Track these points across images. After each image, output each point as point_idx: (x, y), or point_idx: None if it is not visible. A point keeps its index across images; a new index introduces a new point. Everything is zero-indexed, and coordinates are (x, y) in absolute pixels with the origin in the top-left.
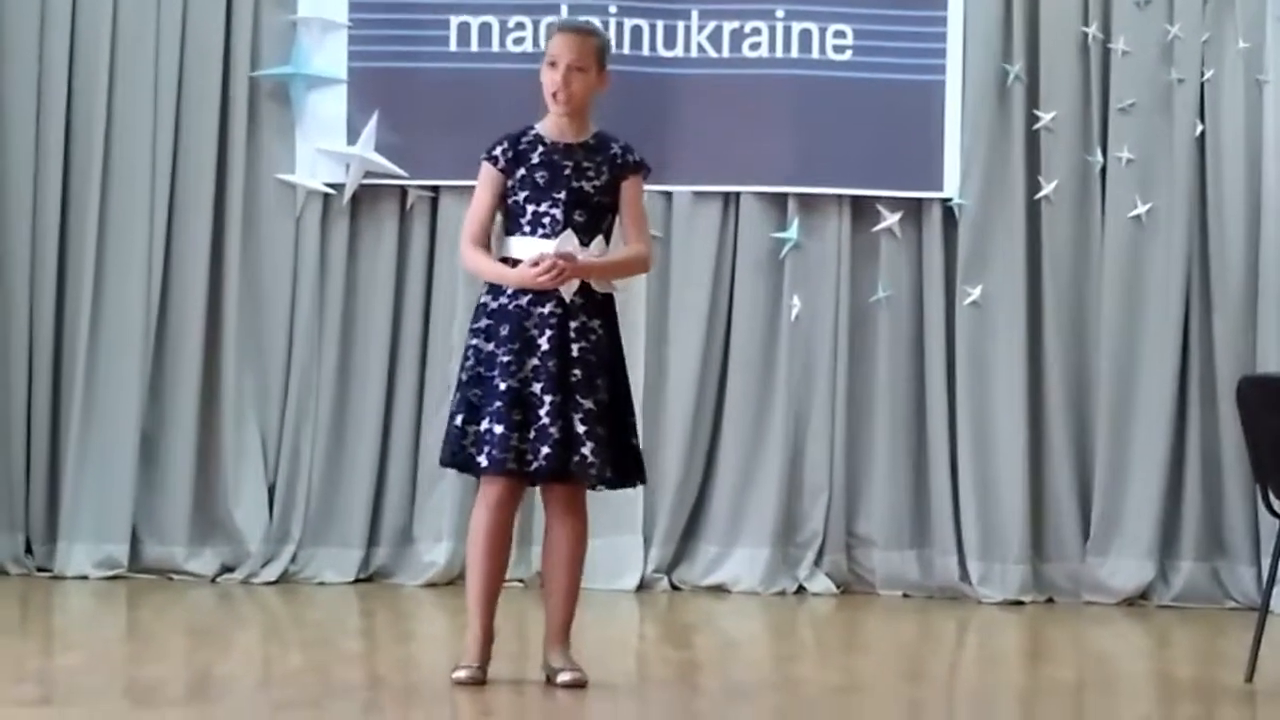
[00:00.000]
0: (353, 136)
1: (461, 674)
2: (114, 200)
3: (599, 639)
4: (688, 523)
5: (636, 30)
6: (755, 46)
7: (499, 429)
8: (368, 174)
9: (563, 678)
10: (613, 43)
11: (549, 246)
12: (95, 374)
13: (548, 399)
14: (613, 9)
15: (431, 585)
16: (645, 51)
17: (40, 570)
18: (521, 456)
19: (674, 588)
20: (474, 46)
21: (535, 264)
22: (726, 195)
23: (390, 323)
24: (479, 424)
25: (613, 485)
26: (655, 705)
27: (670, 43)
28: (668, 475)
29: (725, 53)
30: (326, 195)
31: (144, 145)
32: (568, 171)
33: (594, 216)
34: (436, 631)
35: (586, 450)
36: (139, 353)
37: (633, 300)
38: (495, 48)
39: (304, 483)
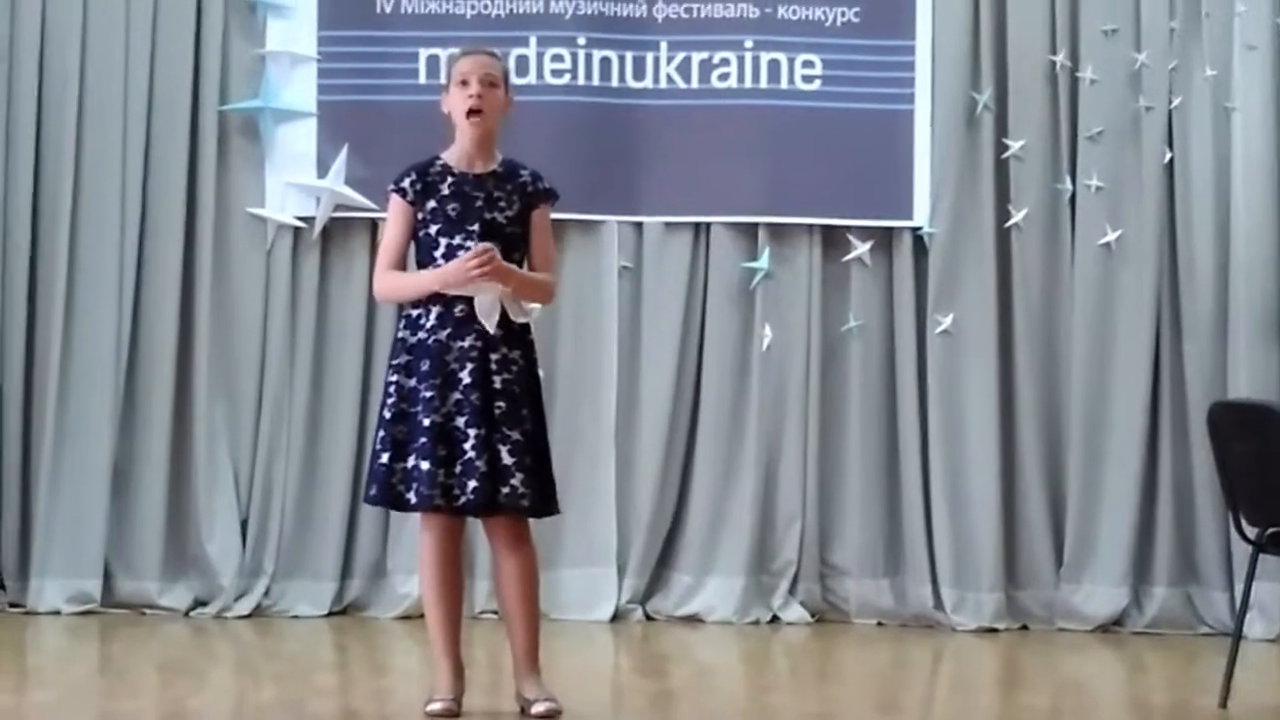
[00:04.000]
0: (323, 170)
1: (436, 706)
2: (84, 234)
3: (573, 669)
4: (661, 553)
5: (605, 62)
6: (724, 77)
7: (425, 465)
8: (338, 207)
9: (537, 709)
10: (581, 74)
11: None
12: (66, 408)
13: (472, 433)
14: (581, 40)
15: (406, 618)
16: (614, 83)
17: (13, 606)
18: (449, 492)
19: (648, 618)
20: (443, 79)
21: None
22: (697, 225)
23: (362, 355)
24: (406, 461)
25: (537, 514)
26: None
27: (639, 74)
28: (641, 505)
29: (694, 83)
30: (297, 228)
31: (114, 179)
32: (479, 203)
33: (507, 247)
34: (411, 664)
35: (516, 481)
36: (110, 387)
37: (604, 330)
38: None
39: (277, 516)
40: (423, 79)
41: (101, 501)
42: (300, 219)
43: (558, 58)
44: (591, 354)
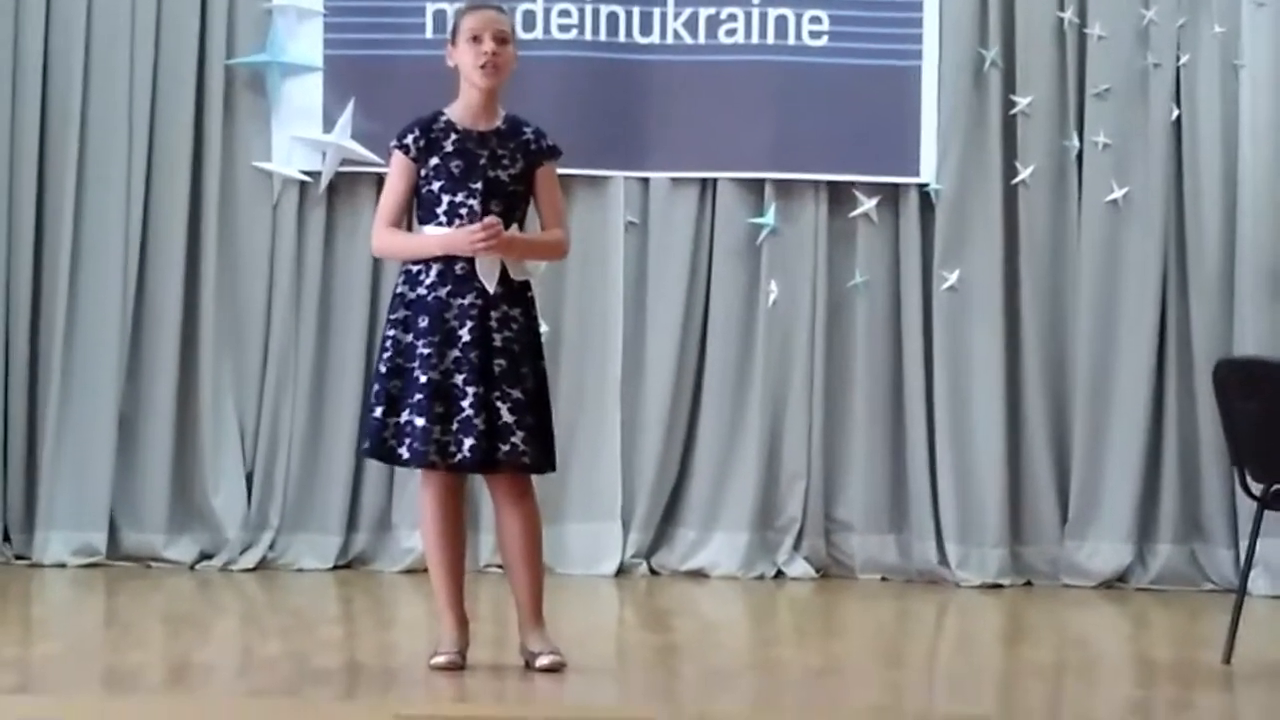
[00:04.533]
0: (329, 124)
1: (440, 659)
2: (90, 188)
3: (578, 624)
4: (666, 508)
5: (613, 17)
6: (731, 33)
7: (420, 421)
8: (344, 161)
9: (541, 661)
10: (588, 29)
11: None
12: (72, 362)
13: (470, 390)
14: None
15: (410, 571)
16: (621, 38)
17: (18, 558)
18: (444, 449)
19: (653, 572)
20: (449, 33)
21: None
22: (703, 181)
23: (367, 309)
24: (399, 416)
25: (539, 471)
26: (634, 688)
27: (646, 29)
28: (646, 460)
29: (701, 39)
30: (303, 183)
31: (120, 133)
32: (483, 160)
33: (510, 205)
34: (415, 617)
35: (516, 439)
36: (116, 340)
37: (610, 286)
38: None
39: (282, 469)
40: (429, 33)
41: (107, 454)
42: (306, 173)
43: (564, 13)
44: (597, 309)
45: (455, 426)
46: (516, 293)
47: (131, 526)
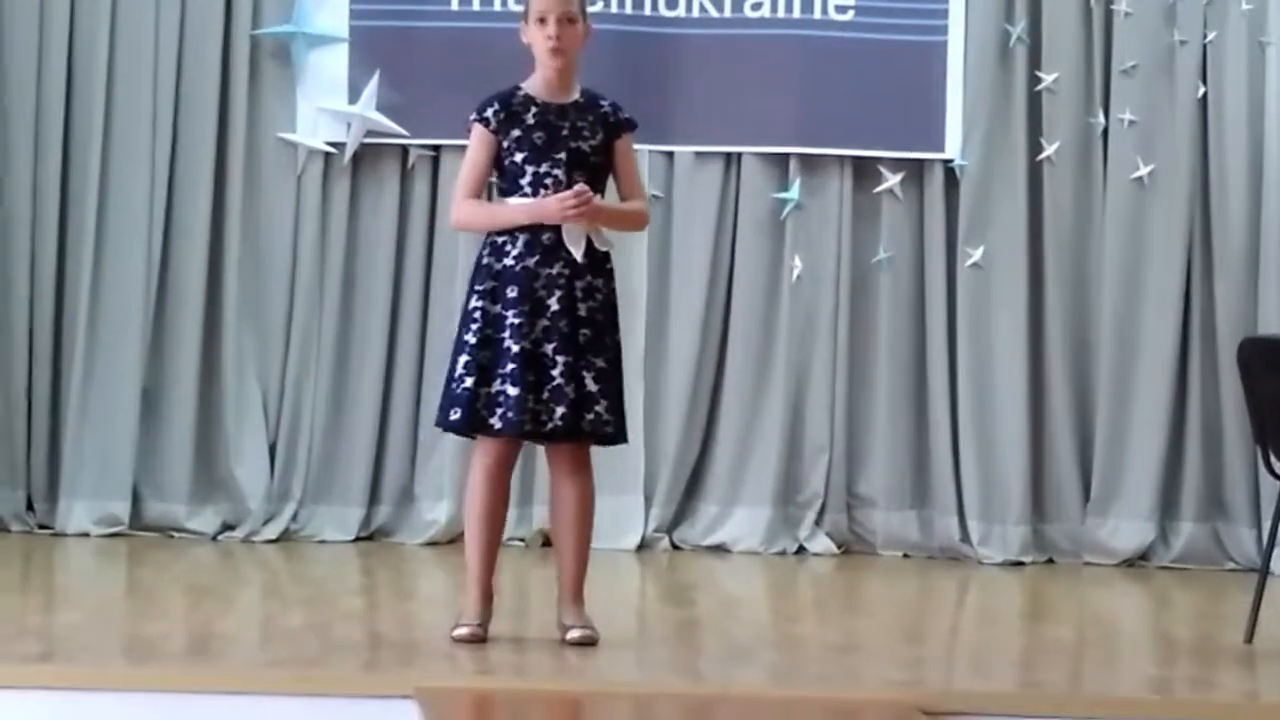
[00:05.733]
0: (354, 95)
1: (462, 631)
2: (115, 159)
3: (600, 597)
4: (689, 482)
5: None
6: (757, 6)
7: (514, 390)
8: (369, 133)
9: (572, 634)
10: (614, 2)
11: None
12: (96, 332)
13: (560, 359)
14: None
15: (432, 544)
16: (647, 11)
17: (41, 527)
18: (537, 417)
19: (675, 547)
20: (476, 5)
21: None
22: (728, 155)
23: (391, 282)
24: (491, 386)
25: (617, 441)
26: (656, 663)
27: (672, 3)
28: (669, 435)
29: (727, 13)
30: (328, 154)
31: (145, 103)
32: (565, 132)
33: (592, 176)
34: (437, 590)
35: (600, 408)
36: (140, 311)
37: (634, 260)
38: (497, 7)
39: (305, 441)
40: (455, 5)
41: (130, 424)
42: (331, 144)
43: None
44: (621, 283)
45: (547, 395)
46: (599, 262)
47: (154, 497)
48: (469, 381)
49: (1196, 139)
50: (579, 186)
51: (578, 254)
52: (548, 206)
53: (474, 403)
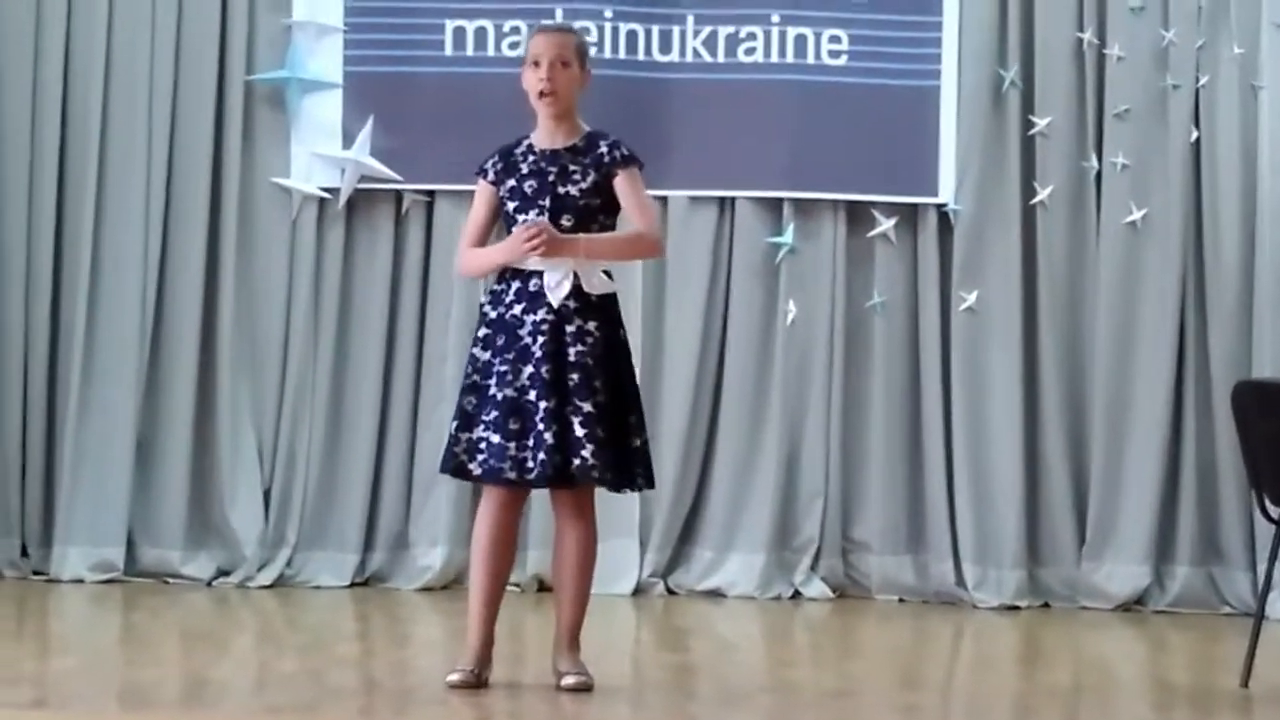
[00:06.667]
0: (348, 140)
1: (455, 677)
2: (109, 204)
3: (595, 642)
4: (684, 527)
5: (632, 35)
6: (750, 51)
7: (495, 438)
8: (363, 178)
9: (567, 681)
10: (608, 48)
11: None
12: (91, 378)
13: (542, 405)
14: (608, 13)
15: (427, 589)
16: (640, 56)
17: (36, 574)
18: (521, 464)
19: (670, 592)
20: (469, 50)
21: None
22: (722, 200)
23: (385, 326)
24: (472, 432)
25: (614, 487)
26: (651, 709)
27: (665, 48)
28: (664, 479)
29: (720, 58)
30: (322, 199)
31: (139, 149)
32: (552, 177)
33: (582, 220)
34: (432, 636)
35: (586, 453)
36: (134, 356)
37: (628, 303)
38: (490, 52)
39: (299, 487)
40: (449, 50)
41: (125, 470)
42: (325, 190)
43: (584, 30)
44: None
45: (530, 442)
46: (595, 306)
47: (149, 542)
48: (453, 426)
49: (1189, 183)
50: (532, 220)
51: (555, 300)
52: (508, 245)
53: (454, 448)
